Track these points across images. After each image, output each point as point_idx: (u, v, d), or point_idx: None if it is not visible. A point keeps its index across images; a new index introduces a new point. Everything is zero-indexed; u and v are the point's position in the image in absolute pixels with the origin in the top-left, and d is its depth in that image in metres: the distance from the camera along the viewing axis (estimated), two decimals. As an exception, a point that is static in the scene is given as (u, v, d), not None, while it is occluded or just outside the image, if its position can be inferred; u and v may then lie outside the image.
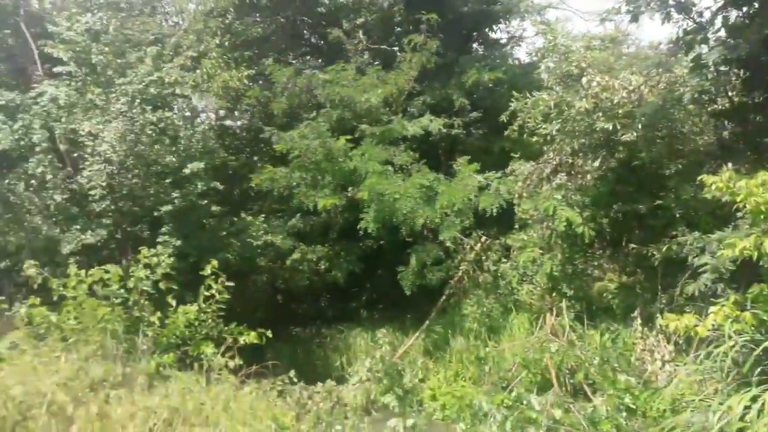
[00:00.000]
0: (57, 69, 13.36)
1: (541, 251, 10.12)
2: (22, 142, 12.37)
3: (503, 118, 12.28)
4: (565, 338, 8.61)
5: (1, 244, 11.97)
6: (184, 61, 14.34)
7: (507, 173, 12.08)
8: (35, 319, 7.78)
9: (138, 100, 12.44)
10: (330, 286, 15.22)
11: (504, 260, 11.18)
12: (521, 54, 19.45)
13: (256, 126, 16.55)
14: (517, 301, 10.55)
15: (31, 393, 5.77)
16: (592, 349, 8.06)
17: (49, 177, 12.19)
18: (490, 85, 14.87)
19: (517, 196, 11.36)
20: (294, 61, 17.56)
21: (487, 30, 18.00)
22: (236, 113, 18.13)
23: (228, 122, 18.73)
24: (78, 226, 11.96)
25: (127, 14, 16.60)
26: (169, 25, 18.62)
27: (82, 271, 8.31)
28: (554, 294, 9.59)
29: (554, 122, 10.78)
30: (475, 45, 18.38)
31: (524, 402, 7.18)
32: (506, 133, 12.45)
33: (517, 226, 11.32)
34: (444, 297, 11.71)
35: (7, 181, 12.56)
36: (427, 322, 11.58)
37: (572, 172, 10.92)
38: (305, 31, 18.83)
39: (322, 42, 18.56)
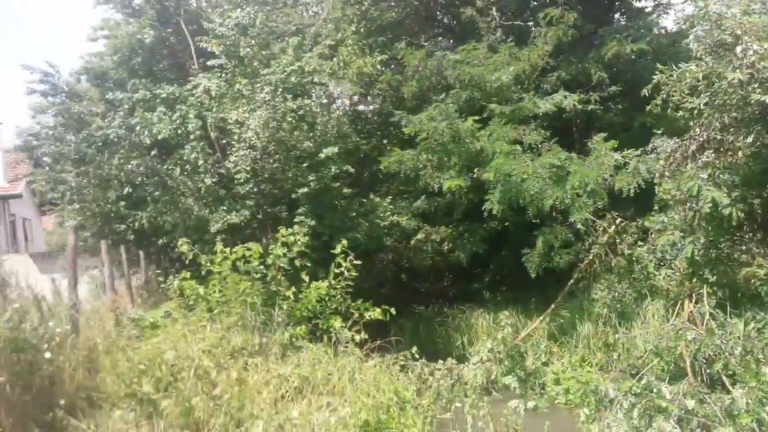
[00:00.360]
0: (210, 62, 14.66)
1: (682, 234, 9.35)
2: (179, 131, 13.78)
3: (645, 91, 11.40)
4: (703, 326, 7.96)
5: (159, 223, 13.48)
6: (322, 50, 15.03)
7: (647, 151, 11.26)
8: (186, 291, 8.75)
9: (280, 89, 13.23)
10: (453, 267, 15.33)
11: (640, 243, 10.50)
12: (668, 23, 17.93)
13: (387, 110, 16.92)
14: (652, 286, 9.88)
15: (181, 357, 6.50)
16: (733, 338, 7.38)
17: (200, 162, 13.47)
18: (632, 57, 13.93)
19: (657, 175, 10.54)
20: (426, 44, 17.65)
21: (630, -2, 16.79)
22: (369, 98, 18.69)
23: (361, 107, 19.41)
24: (224, 207, 13.13)
25: (271, 7, 17.72)
26: (309, 15, 19.55)
27: (227, 249, 9.18)
28: (694, 280, 8.85)
29: (702, 95, 9.86)
30: (616, 15, 17.24)
31: (654, 390, 6.83)
32: (648, 107, 11.57)
33: (656, 208, 10.53)
34: (572, 281, 11.27)
35: (165, 166, 14.10)
36: (553, 305, 11.23)
37: (721, 149, 9.92)
38: (438, 13, 18.80)
39: (454, 22, 18.43)
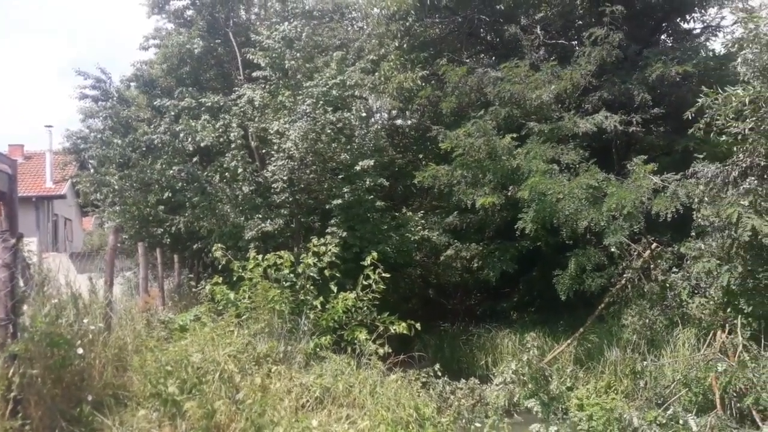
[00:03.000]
0: (255, 74, 15.02)
1: (718, 262, 9.12)
2: (221, 139, 14.15)
3: (689, 115, 11.22)
4: (736, 358, 7.72)
5: (195, 228, 13.80)
6: (365, 64, 15.23)
7: (687, 175, 11.04)
8: (216, 296, 8.91)
9: (321, 102, 13.46)
10: (481, 285, 15.26)
11: (675, 270, 10.26)
12: (716, 45, 17.51)
13: (425, 125, 17.02)
14: (685, 314, 9.64)
15: (207, 361, 6.58)
16: (767, 372, 7.15)
17: (240, 170, 13.79)
18: (677, 79, 13.68)
19: (697, 200, 10.32)
20: (467, 60, 17.69)
21: (678, 20, 16.53)
22: (407, 113, 18.79)
23: (398, 121, 19.51)
24: (260, 215, 13.39)
25: (318, 22, 18.06)
26: (354, 30, 19.80)
27: (259, 256, 9.32)
28: (729, 309, 8.61)
29: (748, 120, 9.67)
30: (663, 36, 16.99)
31: (680, 421, 6.66)
32: (690, 131, 11.37)
33: (693, 234, 10.31)
34: (602, 305, 11.07)
35: (205, 173, 14.47)
36: (582, 329, 11.05)
37: (765, 176, 9.68)
38: (481, 30, 18.84)
39: (497, 39, 18.45)
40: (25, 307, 5.02)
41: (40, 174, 30.90)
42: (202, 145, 14.16)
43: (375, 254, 9.60)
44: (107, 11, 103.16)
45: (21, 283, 5.07)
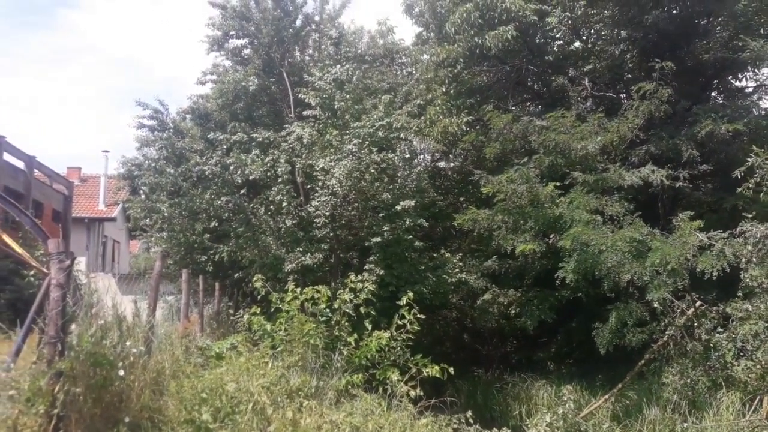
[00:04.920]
0: (305, 112, 15.52)
1: (766, 325, 8.82)
2: (269, 173, 14.56)
3: (738, 173, 11.02)
4: (782, 428, 7.40)
5: (237, 257, 14.11)
6: (411, 108, 15.54)
7: (735, 234, 10.76)
8: (254, 326, 9.03)
9: (367, 142, 13.78)
10: (518, 332, 15.04)
11: (720, 330, 9.92)
12: (768, 104, 17.22)
13: (467, 169, 17.14)
14: (729, 377, 9.26)
15: (241, 390, 6.66)
16: (815, 444, 6.81)
17: (284, 204, 14.12)
18: (727, 136, 13.47)
19: (744, 260, 10.03)
20: (513, 108, 17.85)
21: (730, 78, 16.39)
22: (450, 156, 18.96)
23: (441, 164, 19.69)
24: (300, 249, 13.62)
25: (369, 65, 18.57)
26: (403, 75, 20.27)
27: (298, 289, 9.45)
28: (776, 375, 8.29)
29: (799, 181, 9.45)
30: (713, 93, 16.83)
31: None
32: (739, 190, 11.13)
33: (740, 294, 9.99)
34: (643, 361, 10.74)
35: (251, 205, 14.85)
36: (620, 385, 10.71)
37: (816, 240, 9.38)
38: (529, 79, 19.02)
39: (544, 89, 18.57)
40: (73, 327, 5.20)
41: (94, 196, 32.19)
42: (250, 178, 14.59)
43: (411, 294, 9.60)
44: (170, 46, 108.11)
45: (70, 303, 5.25)
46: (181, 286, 10.69)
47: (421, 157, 20.02)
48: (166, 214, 15.12)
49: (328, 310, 9.39)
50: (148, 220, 15.85)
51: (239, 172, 14.72)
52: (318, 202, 13.82)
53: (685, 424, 8.86)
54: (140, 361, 6.02)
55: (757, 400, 8.48)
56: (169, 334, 8.22)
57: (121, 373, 5.44)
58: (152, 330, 6.94)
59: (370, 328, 9.41)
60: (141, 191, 18.52)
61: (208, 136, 16.44)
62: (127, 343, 5.91)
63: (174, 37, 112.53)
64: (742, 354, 9.28)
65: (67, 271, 4.84)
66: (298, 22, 18.89)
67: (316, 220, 13.81)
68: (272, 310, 9.36)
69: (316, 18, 19.48)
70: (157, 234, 15.63)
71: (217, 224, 15.20)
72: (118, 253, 35.39)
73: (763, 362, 8.67)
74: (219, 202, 14.92)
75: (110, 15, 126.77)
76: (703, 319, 10.33)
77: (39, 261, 7.38)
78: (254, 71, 17.39)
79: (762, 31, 14.99)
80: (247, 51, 18.81)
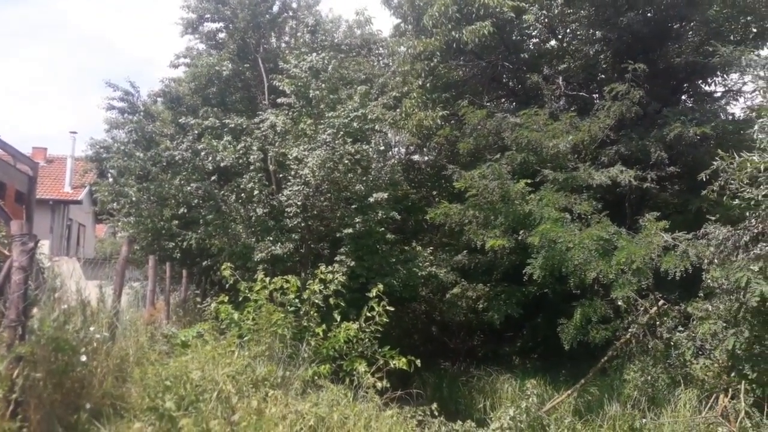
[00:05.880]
0: (280, 100, 15.34)
1: (725, 325, 9.05)
2: (241, 161, 14.39)
3: (703, 176, 11.28)
4: (737, 424, 7.61)
5: (206, 245, 13.94)
6: (387, 100, 15.50)
7: (699, 235, 11.04)
8: (221, 315, 8.94)
9: (341, 133, 13.70)
10: (485, 326, 15.23)
11: (680, 329, 10.19)
12: (736, 109, 17.69)
13: (441, 163, 17.21)
14: (687, 375, 9.53)
15: (206, 379, 6.58)
16: (768, 441, 7.04)
17: (256, 192, 13.97)
18: (695, 140, 13.77)
19: (706, 261, 10.29)
20: (488, 104, 17.96)
21: (699, 82, 16.77)
22: (424, 150, 19.03)
23: (415, 157, 19.76)
24: (271, 238, 13.51)
25: (345, 55, 18.46)
26: (380, 66, 20.20)
27: (267, 278, 9.38)
28: (733, 374, 8.51)
29: (762, 187, 9.69)
30: (683, 97, 17.20)
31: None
32: (704, 192, 11.41)
33: (701, 294, 10.27)
34: (606, 358, 10.99)
35: (222, 192, 14.68)
36: (583, 380, 10.94)
37: (776, 243, 9.65)
38: (504, 76, 19.16)
39: (519, 86, 18.75)
40: (35, 310, 5.09)
41: (60, 178, 31.41)
42: (221, 164, 14.39)
43: (381, 286, 9.59)
44: (143, 27, 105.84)
45: (32, 286, 5.13)
46: (148, 272, 10.51)
47: (396, 149, 20.05)
48: (134, 199, 14.81)
49: (297, 300, 9.34)
50: (115, 204, 15.52)
51: (210, 158, 14.51)
52: (290, 191, 13.71)
53: (644, 420, 9.08)
54: (104, 348, 5.93)
55: (713, 397, 8.72)
56: (134, 321, 8.10)
57: (84, 358, 5.35)
58: (117, 316, 6.84)
59: (338, 319, 9.39)
60: (109, 174, 18.15)
61: (180, 120, 16.13)
62: (91, 329, 5.82)
63: (148, 18, 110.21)
64: (700, 352, 9.54)
65: (30, 253, 4.74)
66: (275, 8, 18.67)
67: (288, 209, 13.70)
68: (240, 299, 9.27)
69: (294, 5, 19.29)
70: (124, 219, 15.33)
71: (186, 211, 14.96)
72: (83, 237, 34.63)
73: (720, 361, 8.92)
74: (189, 188, 14.67)
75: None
76: (665, 318, 10.58)
77: (1, 243, 7.18)
78: (228, 56, 17.14)
79: (732, 38, 15.35)
80: (222, 35, 18.53)
